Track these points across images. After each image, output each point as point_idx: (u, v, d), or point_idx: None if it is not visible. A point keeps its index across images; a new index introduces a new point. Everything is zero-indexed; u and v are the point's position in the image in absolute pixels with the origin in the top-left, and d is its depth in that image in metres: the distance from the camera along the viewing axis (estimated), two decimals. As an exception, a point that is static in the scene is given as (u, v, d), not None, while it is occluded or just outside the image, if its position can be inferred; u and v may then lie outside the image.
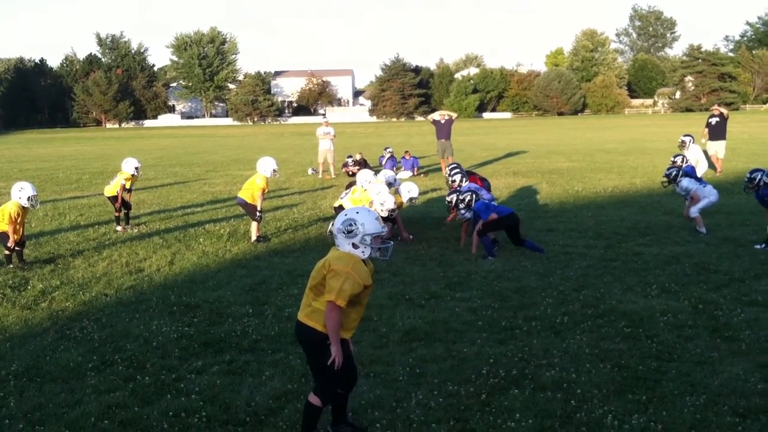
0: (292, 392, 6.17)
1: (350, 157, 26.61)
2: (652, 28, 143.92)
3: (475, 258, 11.16)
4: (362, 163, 25.18)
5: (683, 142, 18.34)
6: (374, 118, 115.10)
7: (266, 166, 13.17)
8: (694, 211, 12.71)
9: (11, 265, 11.02)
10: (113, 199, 14.62)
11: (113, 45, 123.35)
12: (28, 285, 10.01)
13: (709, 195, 12.81)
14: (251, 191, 12.97)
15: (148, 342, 7.54)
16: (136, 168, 14.88)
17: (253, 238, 12.78)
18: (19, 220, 11.21)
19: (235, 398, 6.07)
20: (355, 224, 5.08)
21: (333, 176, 24.70)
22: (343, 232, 5.10)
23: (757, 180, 11.32)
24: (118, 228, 14.36)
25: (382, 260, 5.29)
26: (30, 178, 25.72)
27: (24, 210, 11.38)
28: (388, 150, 26.93)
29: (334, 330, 5.02)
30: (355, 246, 5.10)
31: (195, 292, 9.52)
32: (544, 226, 13.57)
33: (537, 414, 5.62)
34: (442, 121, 25.05)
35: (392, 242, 5.47)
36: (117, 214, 14.69)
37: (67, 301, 9.18)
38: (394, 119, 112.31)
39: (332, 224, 5.22)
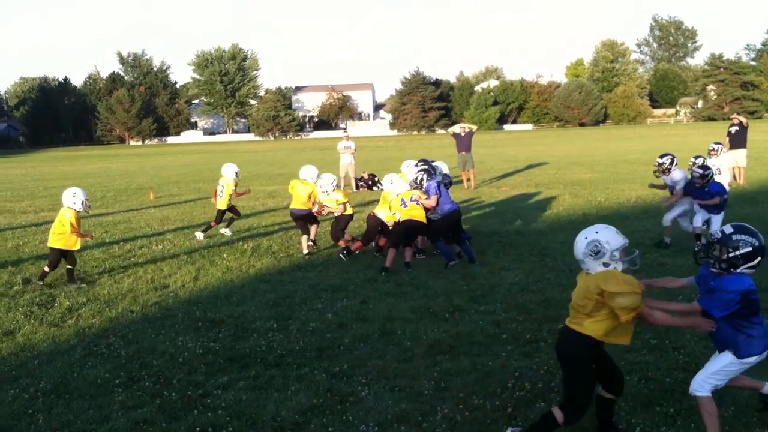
0: (318, 407, 6.19)
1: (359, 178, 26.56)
2: (673, 38, 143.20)
3: (498, 270, 11.14)
4: (369, 181, 25.47)
5: (714, 149, 17.62)
6: (395, 132, 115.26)
7: (309, 172, 13.67)
8: (667, 219, 12.59)
9: (77, 284, 11.12)
10: (223, 212, 15.26)
11: (135, 63, 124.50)
12: (55, 302, 10.11)
13: (685, 204, 12.44)
14: (302, 200, 13.34)
15: (174, 358, 7.59)
16: (236, 172, 15.38)
17: (305, 250, 13.14)
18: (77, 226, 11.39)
19: (261, 413, 6.09)
20: (600, 244, 5.18)
21: (354, 190, 24.76)
22: (591, 255, 5.20)
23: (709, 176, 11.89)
24: (225, 231, 15.35)
25: (632, 269, 5.26)
26: (55, 196, 26.02)
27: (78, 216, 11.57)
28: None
29: (666, 321, 5.41)
30: (606, 264, 5.17)
31: (219, 307, 9.57)
32: (567, 237, 13.51)
33: (564, 428, 5.60)
34: (463, 134, 25.07)
35: (637, 250, 5.49)
36: (214, 224, 15.33)
37: (94, 318, 9.26)
38: (415, 132, 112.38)
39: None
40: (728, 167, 17.15)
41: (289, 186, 14.10)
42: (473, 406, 6.08)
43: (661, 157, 12.82)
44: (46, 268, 11.33)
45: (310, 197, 13.25)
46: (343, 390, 6.54)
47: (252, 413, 6.10)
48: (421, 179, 12.16)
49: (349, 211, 13.24)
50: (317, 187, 13.30)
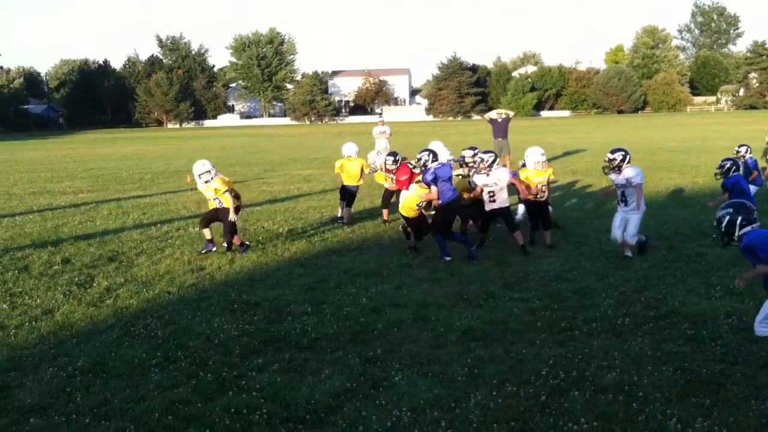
0: (351, 390, 6.21)
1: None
2: (715, 24, 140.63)
3: (534, 258, 11.08)
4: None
5: (738, 152, 16.73)
6: (431, 117, 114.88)
7: (352, 149, 15.18)
8: (631, 234, 10.76)
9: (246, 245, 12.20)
10: (356, 188, 15.22)
11: (174, 46, 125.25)
12: (93, 282, 10.26)
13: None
14: (355, 176, 14.94)
15: (209, 339, 7.67)
16: (356, 151, 15.42)
17: (342, 214, 14.73)
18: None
19: (295, 396, 6.14)
20: None
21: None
22: None
23: (726, 167, 11.65)
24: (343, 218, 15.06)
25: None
26: (94, 177, 26.42)
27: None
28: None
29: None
30: None
31: (255, 290, 9.64)
32: (603, 226, 13.37)
33: (598, 416, 5.57)
34: (499, 120, 24.94)
35: None
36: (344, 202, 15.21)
37: (131, 299, 9.38)
38: (451, 118, 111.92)
39: None
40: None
41: (336, 167, 15.26)
42: (507, 393, 6.07)
43: (613, 152, 10.93)
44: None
45: (362, 171, 14.79)
46: (377, 374, 6.56)
47: (286, 395, 6.15)
48: (425, 162, 11.63)
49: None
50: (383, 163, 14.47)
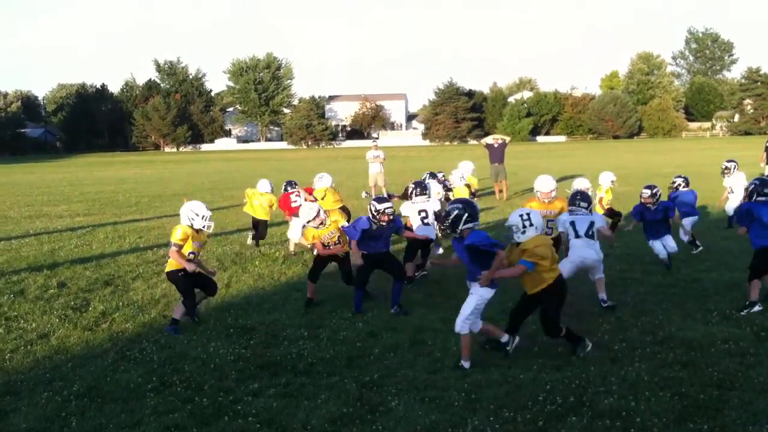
0: (348, 416, 6.19)
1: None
2: (709, 51, 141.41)
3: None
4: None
5: (726, 168, 16.67)
6: (427, 142, 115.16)
7: (264, 186, 15.47)
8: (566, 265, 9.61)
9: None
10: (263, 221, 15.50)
11: (171, 71, 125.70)
12: (89, 306, 10.23)
13: (574, 252, 9.80)
14: (264, 210, 15.19)
15: (205, 364, 7.64)
16: (270, 188, 15.54)
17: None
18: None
19: (291, 421, 6.11)
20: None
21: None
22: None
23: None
24: None
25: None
26: (90, 201, 26.41)
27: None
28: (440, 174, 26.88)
29: None
30: None
31: (251, 314, 9.63)
32: (600, 250, 13.42)
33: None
34: (495, 145, 25.06)
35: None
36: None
37: (127, 323, 9.36)
38: (447, 143, 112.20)
39: None
40: (742, 186, 16.54)
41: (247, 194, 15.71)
42: (504, 418, 6.04)
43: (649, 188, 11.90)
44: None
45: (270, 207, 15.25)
46: (373, 400, 6.54)
47: (282, 420, 6.12)
48: (412, 191, 12.00)
49: None
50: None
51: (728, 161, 16.55)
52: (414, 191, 11.96)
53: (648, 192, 11.86)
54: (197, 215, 9.06)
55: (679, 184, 14.18)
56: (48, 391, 6.96)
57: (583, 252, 9.64)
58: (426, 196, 11.96)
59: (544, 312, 7.65)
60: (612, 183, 14.80)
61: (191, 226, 9.05)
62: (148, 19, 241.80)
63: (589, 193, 11.49)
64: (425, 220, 11.66)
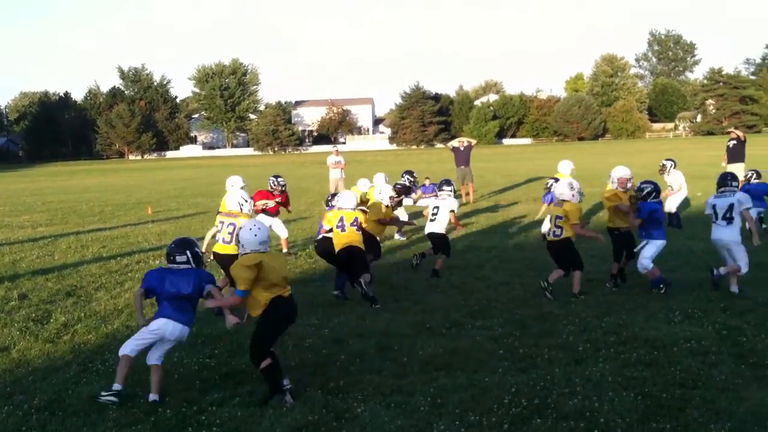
0: (314, 423, 6.15)
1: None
2: (672, 52, 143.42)
3: (496, 285, 11.11)
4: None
5: (664, 165, 17.18)
6: (394, 146, 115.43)
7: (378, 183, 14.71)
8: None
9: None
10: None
11: (136, 77, 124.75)
12: (50, 318, 10.07)
13: (712, 234, 10.38)
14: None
15: (169, 374, 7.54)
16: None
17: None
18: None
19: (255, 430, 6.07)
20: None
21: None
22: None
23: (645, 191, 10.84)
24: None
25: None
26: (53, 211, 26.07)
27: None
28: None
29: None
30: None
31: (216, 323, 9.51)
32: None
33: None
34: (462, 148, 25.15)
35: None
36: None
37: (90, 334, 9.23)
38: (414, 147, 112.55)
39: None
40: (678, 185, 16.87)
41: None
42: (470, 422, 6.04)
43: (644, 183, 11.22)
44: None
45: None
46: (339, 406, 6.50)
47: (247, 430, 6.07)
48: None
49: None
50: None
51: (666, 160, 17.09)
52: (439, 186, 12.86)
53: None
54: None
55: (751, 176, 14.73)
56: (8, 405, 6.83)
57: (715, 234, 10.26)
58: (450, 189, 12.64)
59: None
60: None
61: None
62: (111, 28, 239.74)
63: (630, 183, 11.58)
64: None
